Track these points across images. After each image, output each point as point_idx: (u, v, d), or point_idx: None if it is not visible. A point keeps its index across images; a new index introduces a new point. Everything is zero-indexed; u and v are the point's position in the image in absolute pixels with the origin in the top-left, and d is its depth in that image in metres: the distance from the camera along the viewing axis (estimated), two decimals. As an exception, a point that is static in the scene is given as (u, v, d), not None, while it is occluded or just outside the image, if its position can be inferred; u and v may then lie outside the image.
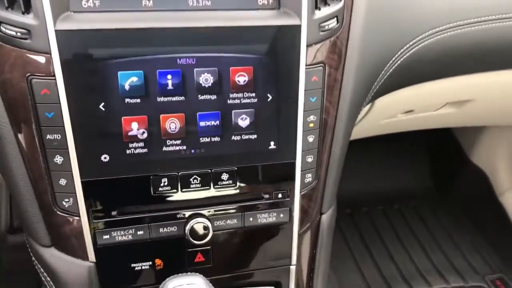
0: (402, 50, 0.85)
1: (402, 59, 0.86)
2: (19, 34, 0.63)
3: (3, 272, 1.43)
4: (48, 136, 0.67)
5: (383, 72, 0.86)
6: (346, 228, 1.74)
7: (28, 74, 0.64)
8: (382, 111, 1.06)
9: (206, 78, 0.70)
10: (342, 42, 0.77)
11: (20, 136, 0.68)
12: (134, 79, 0.67)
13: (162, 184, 0.72)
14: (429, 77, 0.98)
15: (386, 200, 1.86)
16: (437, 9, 0.86)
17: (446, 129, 1.83)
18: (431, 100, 1.13)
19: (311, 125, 0.77)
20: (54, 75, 0.64)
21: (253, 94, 0.72)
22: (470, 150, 1.78)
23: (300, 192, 0.79)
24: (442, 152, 1.96)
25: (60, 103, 0.65)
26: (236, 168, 0.74)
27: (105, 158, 0.69)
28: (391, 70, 0.86)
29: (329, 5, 0.74)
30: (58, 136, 0.67)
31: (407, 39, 0.85)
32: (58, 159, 0.68)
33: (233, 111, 0.72)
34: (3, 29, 0.63)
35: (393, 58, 0.85)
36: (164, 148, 0.71)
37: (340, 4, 0.75)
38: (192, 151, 0.72)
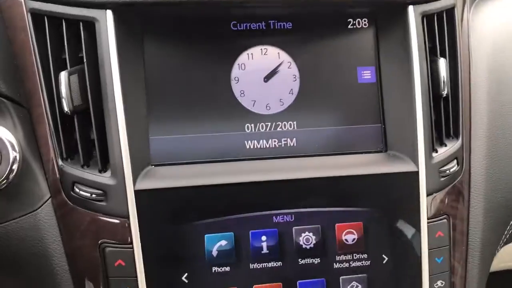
0: None
1: None
2: (94, 196, 0.55)
3: None
4: None
5: None
6: None
7: (102, 241, 0.55)
8: (508, 258, 0.88)
9: (307, 238, 0.58)
10: (464, 187, 0.64)
11: None
12: (223, 242, 0.56)
13: None
14: None
15: None
16: None
17: None
18: None
19: None
20: (131, 243, 0.54)
21: (365, 256, 0.59)
22: None
23: None
24: None
25: (137, 277, 0.54)
26: None
27: None
28: None
29: (445, 145, 0.63)
30: None
31: None
32: None
33: (341, 277, 0.58)
34: (77, 190, 0.55)
35: None
36: None
37: (459, 143, 0.64)
38: None
